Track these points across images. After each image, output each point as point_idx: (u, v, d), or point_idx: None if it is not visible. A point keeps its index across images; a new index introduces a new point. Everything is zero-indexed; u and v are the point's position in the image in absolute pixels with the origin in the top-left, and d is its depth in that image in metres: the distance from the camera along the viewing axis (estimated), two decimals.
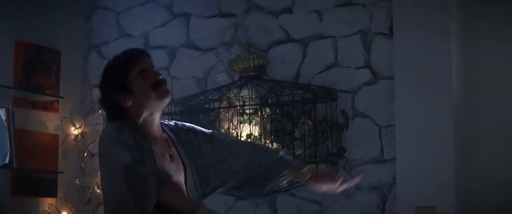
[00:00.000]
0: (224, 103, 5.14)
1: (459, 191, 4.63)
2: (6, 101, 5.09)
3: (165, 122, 3.16)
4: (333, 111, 4.94)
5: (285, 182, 4.93)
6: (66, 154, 5.49)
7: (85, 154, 5.43)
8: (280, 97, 5.02)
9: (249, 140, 4.94)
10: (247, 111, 5.06)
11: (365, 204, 4.88)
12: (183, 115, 5.17)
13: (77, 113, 5.60)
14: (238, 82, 5.18)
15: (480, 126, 4.82)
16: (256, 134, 5.00)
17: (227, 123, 5.10)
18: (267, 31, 5.26)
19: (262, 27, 5.28)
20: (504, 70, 4.84)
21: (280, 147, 4.90)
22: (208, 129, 3.25)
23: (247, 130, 5.04)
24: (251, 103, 5.06)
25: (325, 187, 3.12)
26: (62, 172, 5.53)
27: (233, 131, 5.04)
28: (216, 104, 5.17)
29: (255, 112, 5.05)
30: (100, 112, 5.28)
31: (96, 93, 5.57)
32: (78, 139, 5.49)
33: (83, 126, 5.51)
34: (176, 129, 3.13)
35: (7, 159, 4.82)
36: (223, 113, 5.13)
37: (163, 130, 3.09)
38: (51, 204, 5.45)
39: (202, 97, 5.25)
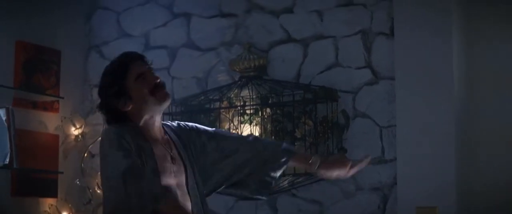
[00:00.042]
0: (225, 103, 5.14)
1: (460, 191, 4.62)
2: (6, 101, 5.09)
3: (168, 123, 3.15)
4: (334, 111, 4.93)
5: (286, 182, 4.93)
6: (67, 154, 5.49)
7: (86, 154, 5.42)
8: (281, 98, 5.02)
9: None
10: (248, 111, 5.06)
11: (366, 204, 4.87)
12: (183, 115, 5.16)
13: (78, 113, 5.59)
14: (239, 82, 5.17)
15: (481, 126, 4.81)
16: (257, 134, 4.99)
17: (228, 123, 5.10)
18: (267, 31, 5.26)
19: (263, 27, 5.28)
20: (504, 70, 4.84)
21: None
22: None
23: (248, 130, 5.03)
24: (251, 103, 5.06)
25: (336, 173, 3.11)
26: (62, 172, 5.52)
27: (233, 131, 5.03)
28: (217, 104, 5.17)
29: (256, 112, 5.04)
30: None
31: (96, 93, 5.60)
32: (79, 139, 5.48)
33: (83, 126, 5.50)
34: (178, 130, 3.13)
35: (7, 159, 4.82)
36: (224, 113, 5.13)
37: (165, 132, 3.08)
38: (51, 205, 5.44)
39: (202, 97, 5.25)
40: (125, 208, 2.83)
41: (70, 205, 5.47)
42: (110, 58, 3.07)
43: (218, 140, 3.15)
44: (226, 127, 5.08)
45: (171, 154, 3.02)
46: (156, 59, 3.14)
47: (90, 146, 5.42)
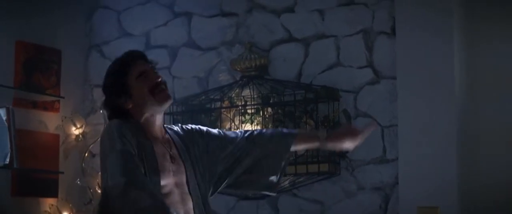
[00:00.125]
0: (226, 103, 5.13)
1: (461, 191, 4.62)
2: (6, 101, 5.08)
3: (169, 126, 3.16)
4: (335, 110, 4.92)
5: (287, 182, 4.92)
6: (67, 154, 5.48)
7: (86, 154, 5.41)
8: (282, 97, 5.01)
9: None
10: (249, 111, 5.05)
11: (367, 204, 4.86)
12: (184, 114, 5.16)
13: (78, 113, 5.59)
14: (240, 82, 5.17)
15: (483, 125, 4.81)
16: None
17: (229, 123, 5.09)
18: (269, 31, 5.25)
19: (264, 26, 5.27)
20: (506, 70, 4.84)
21: None
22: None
23: None
24: (252, 103, 5.05)
25: (346, 143, 3.12)
26: (63, 172, 5.52)
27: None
28: (218, 104, 5.16)
29: (257, 112, 5.03)
30: (101, 112, 5.27)
31: (97, 93, 5.61)
32: (79, 139, 5.47)
33: (84, 125, 5.50)
34: (180, 131, 3.14)
35: (8, 159, 4.81)
36: (225, 112, 5.12)
37: (166, 132, 3.09)
38: (52, 205, 5.44)
39: (203, 97, 5.24)
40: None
41: (70, 205, 5.47)
42: (110, 57, 3.08)
43: (221, 139, 3.16)
44: (227, 126, 5.07)
45: (171, 153, 3.02)
46: (156, 59, 3.14)
47: (91, 146, 5.42)
